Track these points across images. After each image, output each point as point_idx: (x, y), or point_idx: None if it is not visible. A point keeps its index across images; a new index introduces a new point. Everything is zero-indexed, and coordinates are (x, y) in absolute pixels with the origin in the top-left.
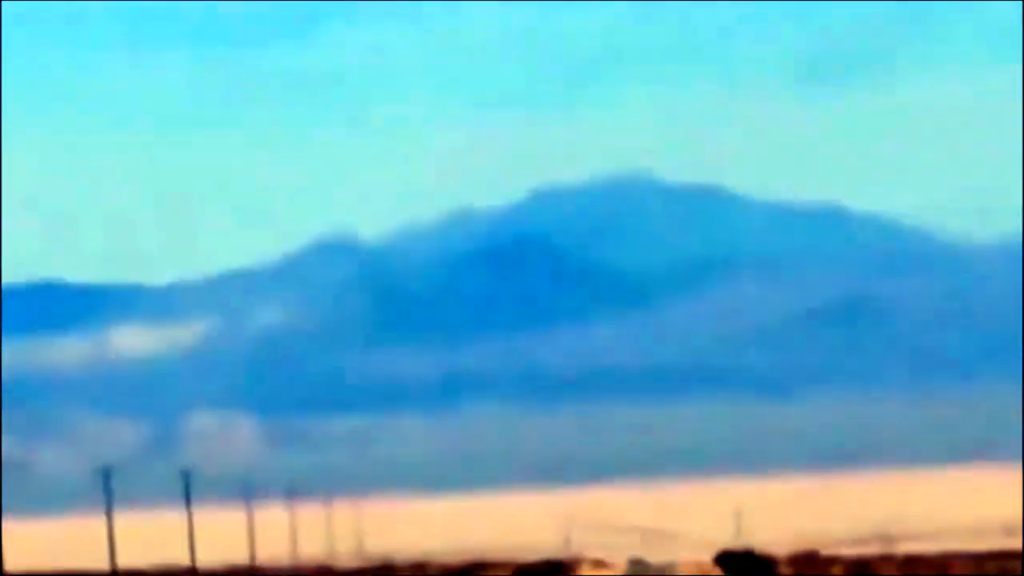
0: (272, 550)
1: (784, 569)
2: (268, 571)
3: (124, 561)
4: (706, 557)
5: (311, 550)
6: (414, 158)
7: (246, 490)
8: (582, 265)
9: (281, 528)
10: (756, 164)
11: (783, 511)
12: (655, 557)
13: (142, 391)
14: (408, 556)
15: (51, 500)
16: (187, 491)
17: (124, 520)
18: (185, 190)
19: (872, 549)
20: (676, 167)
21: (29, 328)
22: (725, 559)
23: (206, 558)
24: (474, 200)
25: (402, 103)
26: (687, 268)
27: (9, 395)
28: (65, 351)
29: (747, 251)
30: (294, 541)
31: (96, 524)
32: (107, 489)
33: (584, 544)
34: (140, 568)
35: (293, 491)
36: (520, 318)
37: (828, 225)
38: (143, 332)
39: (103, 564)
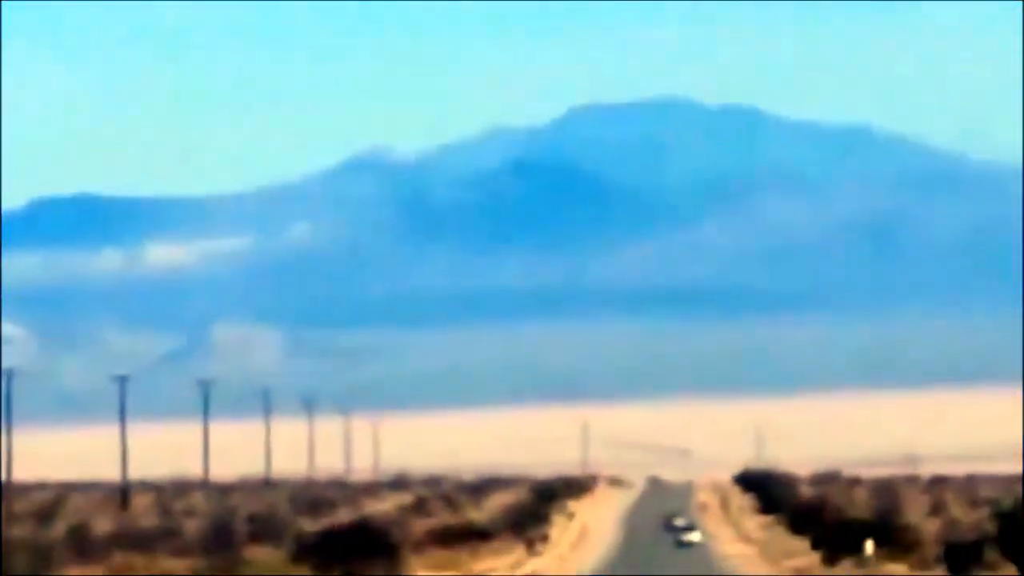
0: (289, 463)
1: (805, 489)
2: (282, 483)
3: (141, 472)
4: (726, 476)
5: (328, 463)
6: (452, 75)
7: (265, 403)
8: (616, 184)
9: (299, 441)
10: (788, 86)
11: (805, 432)
12: (674, 476)
13: (172, 303)
14: (424, 470)
15: (75, 410)
16: (205, 402)
17: (145, 431)
18: (222, 106)
19: (897, 470)
20: (712, 90)
21: (64, 240)
22: (746, 478)
23: (225, 470)
24: (512, 118)
25: (444, 20)
26: (719, 187)
27: (40, 304)
28: (98, 263)
29: (778, 170)
30: (311, 454)
31: (115, 434)
32: (122, 398)
33: (602, 462)
34: (154, 479)
35: (312, 404)
36: (551, 235)
37: (857, 145)
38: (176, 245)
39: (119, 474)
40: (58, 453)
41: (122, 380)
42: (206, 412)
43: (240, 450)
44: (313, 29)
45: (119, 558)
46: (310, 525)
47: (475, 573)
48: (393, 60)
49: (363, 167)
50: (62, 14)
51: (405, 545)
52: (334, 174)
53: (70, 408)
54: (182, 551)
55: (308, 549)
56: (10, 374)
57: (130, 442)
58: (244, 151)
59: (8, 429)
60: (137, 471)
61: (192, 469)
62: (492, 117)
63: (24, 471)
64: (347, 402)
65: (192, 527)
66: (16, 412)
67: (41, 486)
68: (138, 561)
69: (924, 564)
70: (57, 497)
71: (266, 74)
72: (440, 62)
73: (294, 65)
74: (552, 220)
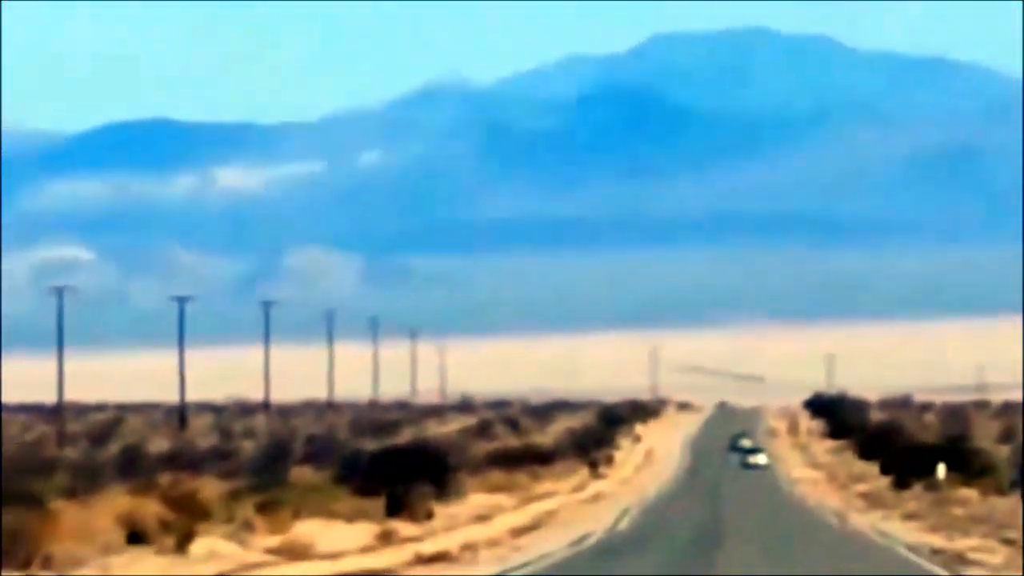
0: (355, 388)
1: (875, 414)
2: (346, 406)
3: (203, 395)
4: (796, 403)
5: (395, 389)
6: (532, 2)
7: (329, 325)
8: (694, 111)
9: (366, 366)
10: (864, 16)
11: (876, 359)
12: (744, 401)
13: (243, 228)
14: (491, 394)
15: (144, 333)
16: (266, 324)
17: (214, 355)
18: (296, 33)
19: (966, 397)
20: (790, 19)
21: (135, 164)
22: (816, 403)
23: (289, 394)
24: (591, 46)
25: None
26: (796, 117)
27: (111, 228)
28: (170, 188)
29: (853, 100)
30: (376, 378)
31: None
32: (181, 319)
33: (672, 388)
34: (214, 401)
35: (380, 329)
36: (629, 163)
37: (933, 75)
38: (248, 171)
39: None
40: (127, 376)
41: (181, 300)
42: (267, 334)
43: (307, 375)
44: None
45: (165, 478)
46: (370, 447)
47: (534, 495)
48: None
49: (439, 95)
50: None
51: (460, 467)
52: (409, 102)
53: (139, 331)
54: (232, 472)
55: (355, 470)
56: (61, 292)
57: (198, 366)
58: (317, 79)
59: (61, 349)
60: (204, 394)
61: (258, 393)
62: (571, 45)
63: (93, 393)
64: (416, 327)
65: (248, 448)
66: (86, 334)
67: (100, 407)
68: (179, 481)
69: (996, 489)
70: (115, 418)
71: (341, 2)
72: None
73: None
74: (629, 147)
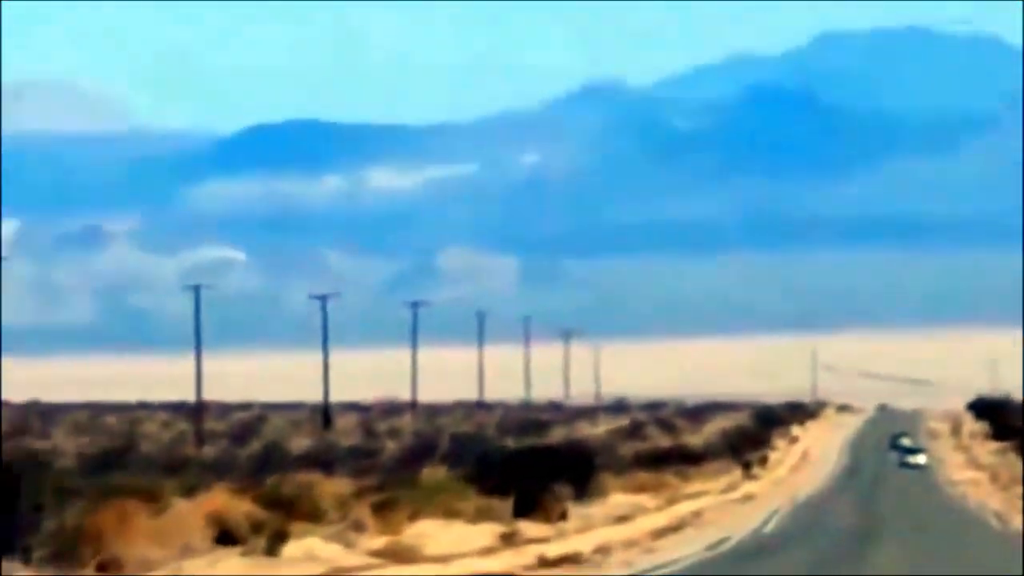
0: (508, 389)
1: None
2: (497, 406)
3: (352, 395)
4: (959, 404)
5: (548, 390)
6: (692, 3)
7: (480, 325)
8: (857, 114)
9: (519, 367)
10: None
11: None
12: (906, 404)
13: (395, 230)
14: (646, 395)
15: (293, 333)
16: (414, 325)
17: (362, 356)
18: (447, 36)
19: None
20: (954, 19)
21: (284, 165)
22: (979, 405)
23: (440, 395)
24: (753, 46)
25: None
26: (958, 119)
27: (260, 229)
28: (319, 189)
29: (1017, 103)
30: (527, 379)
31: (335, 356)
32: (324, 317)
33: (832, 390)
34: (363, 401)
35: (534, 329)
36: (786, 164)
37: None
38: (399, 173)
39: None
40: (275, 375)
41: (323, 299)
42: (414, 334)
43: (459, 376)
44: None
45: (301, 476)
46: (513, 446)
47: (681, 496)
48: None
49: (596, 96)
50: None
51: (605, 467)
52: (566, 103)
53: (289, 331)
54: (368, 471)
55: (490, 469)
56: (198, 290)
57: (347, 367)
58: (471, 80)
59: (199, 348)
60: (353, 394)
61: (408, 394)
62: (731, 46)
63: (241, 392)
64: (570, 328)
65: (391, 448)
66: (236, 334)
67: (244, 406)
68: (306, 480)
69: None
70: (258, 417)
71: (495, 3)
72: None
73: None
74: (787, 149)
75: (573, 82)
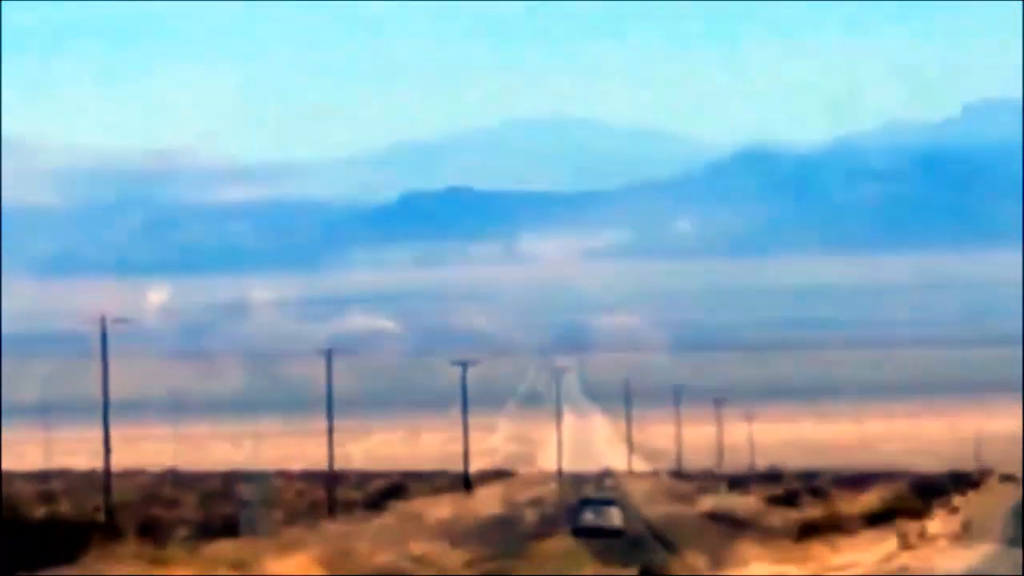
0: (658, 454)
1: None
2: (644, 476)
3: (496, 462)
4: None
5: (699, 459)
6: (847, 69)
7: (627, 395)
8: (1016, 182)
9: (669, 434)
10: None
11: None
12: None
13: (546, 297)
14: (801, 466)
15: (442, 402)
16: (558, 393)
17: (510, 422)
18: (600, 102)
19: None
20: None
21: (438, 234)
22: None
23: (594, 461)
24: (909, 112)
25: (827, 14)
26: None
27: (412, 298)
28: (471, 256)
29: None
30: (679, 448)
31: (470, 425)
32: (463, 384)
33: (996, 459)
34: (509, 467)
35: (680, 399)
36: (949, 233)
37: None
38: (552, 239)
39: (457, 465)
40: (418, 442)
41: (464, 365)
42: (558, 400)
43: (603, 441)
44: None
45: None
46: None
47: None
48: (789, 52)
49: (750, 161)
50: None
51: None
52: (721, 168)
53: (438, 399)
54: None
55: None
56: (330, 354)
57: (493, 433)
58: (626, 145)
59: (330, 414)
60: (497, 460)
61: (550, 462)
62: (889, 111)
63: (384, 462)
64: (722, 396)
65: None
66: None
67: (383, 475)
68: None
69: None
70: (395, 484)
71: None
72: (836, 56)
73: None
74: (949, 217)
75: (732, 146)
